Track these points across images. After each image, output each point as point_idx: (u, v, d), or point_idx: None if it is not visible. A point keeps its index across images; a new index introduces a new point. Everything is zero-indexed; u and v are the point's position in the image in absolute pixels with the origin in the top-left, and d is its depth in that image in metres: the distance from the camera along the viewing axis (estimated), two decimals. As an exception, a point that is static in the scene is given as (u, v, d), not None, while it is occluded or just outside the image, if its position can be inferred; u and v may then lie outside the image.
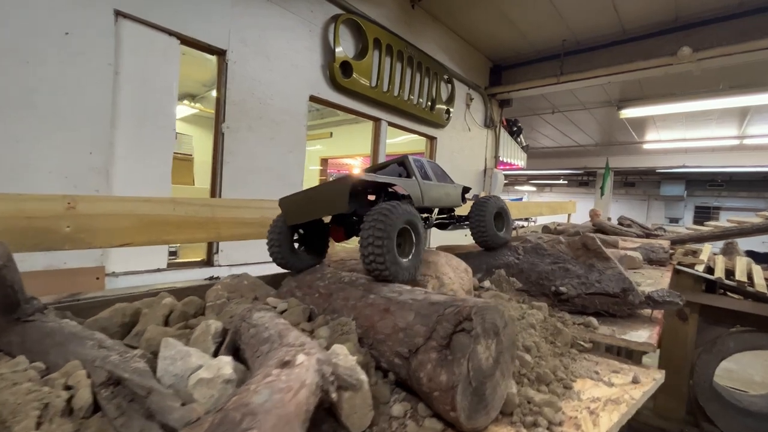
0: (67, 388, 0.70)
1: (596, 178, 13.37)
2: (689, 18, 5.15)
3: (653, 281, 1.99)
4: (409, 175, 1.39)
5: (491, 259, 1.64)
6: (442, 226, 1.71)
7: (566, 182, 20.13)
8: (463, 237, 2.10)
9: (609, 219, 5.09)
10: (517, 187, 23.55)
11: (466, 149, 6.81)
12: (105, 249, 2.60)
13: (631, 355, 1.79)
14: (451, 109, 6.10)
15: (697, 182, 16.99)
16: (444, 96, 6.00)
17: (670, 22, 5.28)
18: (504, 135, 7.72)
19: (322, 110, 7.98)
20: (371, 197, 1.32)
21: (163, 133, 2.97)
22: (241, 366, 0.72)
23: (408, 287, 0.99)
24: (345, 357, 0.70)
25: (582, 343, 1.14)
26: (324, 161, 9.83)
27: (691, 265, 2.91)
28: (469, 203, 1.73)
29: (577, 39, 6.01)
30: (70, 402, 0.67)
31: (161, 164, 2.97)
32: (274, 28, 3.69)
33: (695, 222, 15.53)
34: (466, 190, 1.69)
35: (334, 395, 0.60)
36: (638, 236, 3.39)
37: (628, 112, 7.85)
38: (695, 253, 3.09)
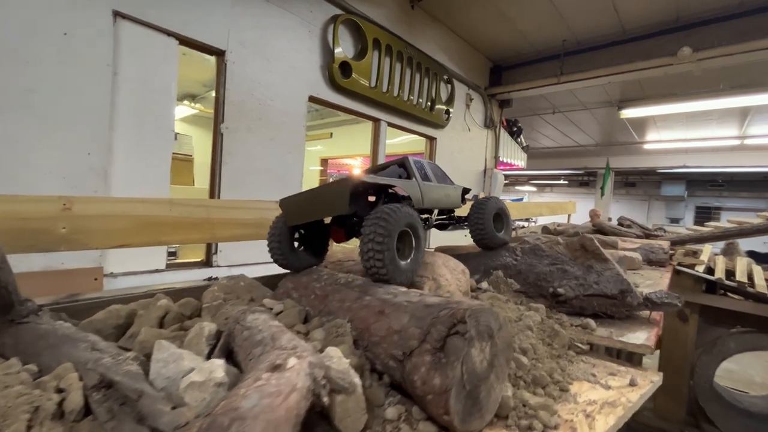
0: (59, 390, 0.70)
1: (597, 178, 13.36)
2: (689, 18, 5.14)
3: (652, 282, 1.98)
4: (409, 177, 1.40)
5: (489, 260, 1.63)
6: (441, 227, 1.72)
7: (567, 182, 20.12)
8: (462, 237, 2.10)
9: (610, 219, 5.08)
10: (517, 188, 23.53)
11: (465, 150, 6.81)
12: (104, 250, 2.60)
13: (631, 357, 1.78)
14: (450, 110, 6.10)
15: (697, 182, 16.96)
16: (444, 96, 5.99)
17: (671, 22, 5.27)
18: (504, 135, 7.71)
19: (322, 111, 7.99)
20: (371, 198, 1.33)
21: (161, 133, 2.97)
22: (233, 369, 0.71)
23: (403, 289, 0.98)
24: (338, 360, 0.69)
25: (579, 345, 1.14)
26: (324, 161, 9.84)
27: (692, 266, 2.90)
28: (469, 203, 1.73)
29: (578, 39, 6.00)
30: (62, 405, 0.66)
31: (160, 165, 2.97)
32: (274, 28, 3.69)
33: (696, 222, 15.52)
34: (466, 191, 1.69)
35: (325, 399, 0.59)
36: (638, 237, 3.37)
37: (629, 113, 7.84)
38: (695, 253, 3.08)
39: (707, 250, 3.19)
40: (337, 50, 4.18)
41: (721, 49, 4.77)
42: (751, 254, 3.45)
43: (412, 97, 5.26)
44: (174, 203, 1.46)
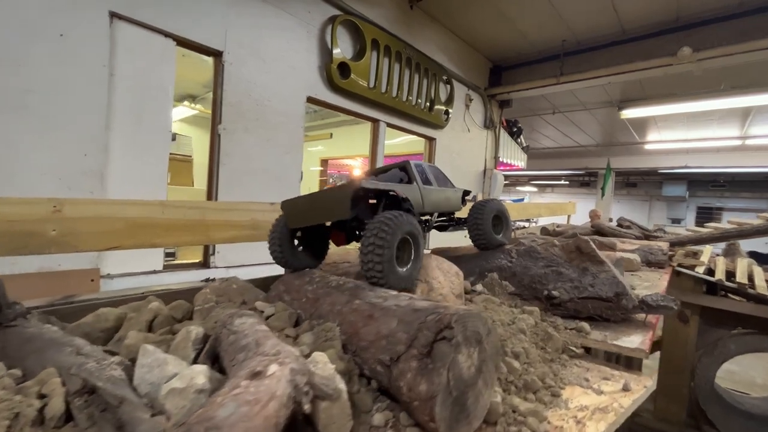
0: (41, 396, 0.69)
1: (597, 178, 13.31)
2: (689, 18, 5.12)
3: (650, 284, 1.96)
4: (410, 180, 1.41)
5: (484, 262, 1.62)
6: (441, 228, 1.72)
7: (567, 183, 20.06)
8: (462, 238, 2.09)
9: (610, 220, 5.06)
10: (518, 188, 23.48)
11: (465, 150, 6.79)
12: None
13: (631, 360, 1.76)
14: (450, 110, 6.08)
15: (699, 183, 16.89)
16: (443, 97, 5.98)
17: (671, 22, 5.25)
18: (504, 136, 7.69)
19: (321, 111, 7.97)
20: (372, 201, 1.33)
21: (158, 134, 2.97)
22: (218, 375, 0.70)
23: (394, 292, 0.97)
24: (324, 365, 0.68)
25: (573, 348, 1.12)
26: (324, 162, 9.83)
27: (692, 267, 2.88)
28: (469, 205, 1.73)
29: (577, 39, 5.99)
30: (43, 411, 0.66)
31: (157, 166, 2.96)
32: (272, 29, 3.68)
33: (697, 223, 15.43)
34: (466, 193, 1.70)
35: (307, 407, 0.58)
36: (637, 238, 3.35)
37: (629, 113, 7.82)
38: (696, 254, 3.06)
39: (708, 251, 3.17)
40: (336, 51, 4.17)
41: (722, 49, 4.75)
42: (753, 255, 3.42)
43: (411, 98, 5.25)
44: (166, 205, 1.46)
